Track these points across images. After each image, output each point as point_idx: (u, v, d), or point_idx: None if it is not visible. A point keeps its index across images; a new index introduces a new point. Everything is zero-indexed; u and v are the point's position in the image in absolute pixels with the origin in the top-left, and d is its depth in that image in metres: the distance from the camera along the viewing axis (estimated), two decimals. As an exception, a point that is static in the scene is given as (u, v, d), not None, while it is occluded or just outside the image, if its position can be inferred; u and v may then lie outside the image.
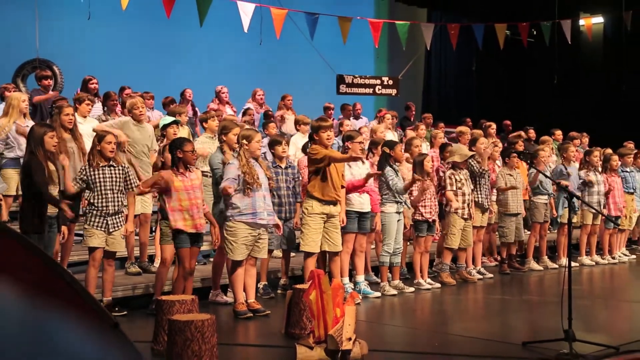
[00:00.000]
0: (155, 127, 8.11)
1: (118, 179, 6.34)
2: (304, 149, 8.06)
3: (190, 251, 6.28)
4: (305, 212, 7.04)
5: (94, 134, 6.72)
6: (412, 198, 7.97)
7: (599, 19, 16.38)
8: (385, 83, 14.36)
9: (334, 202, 7.05)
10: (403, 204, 7.79)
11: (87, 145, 6.79)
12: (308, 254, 7.05)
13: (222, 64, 14.15)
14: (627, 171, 10.59)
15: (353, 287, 7.47)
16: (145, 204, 7.60)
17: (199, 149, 7.35)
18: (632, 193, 10.59)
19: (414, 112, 13.36)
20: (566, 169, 9.72)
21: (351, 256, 7.56)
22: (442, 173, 8.59)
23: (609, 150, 10.60)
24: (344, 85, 13.87)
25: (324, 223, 7.05)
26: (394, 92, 14.43)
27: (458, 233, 8.35)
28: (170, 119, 8.00)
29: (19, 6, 11.76)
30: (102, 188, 6.25)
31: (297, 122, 10.18)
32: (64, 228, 6.27)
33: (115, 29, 12.93)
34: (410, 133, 10.26)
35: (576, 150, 11.34)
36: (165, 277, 6.65)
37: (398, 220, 7.72)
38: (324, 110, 12.08)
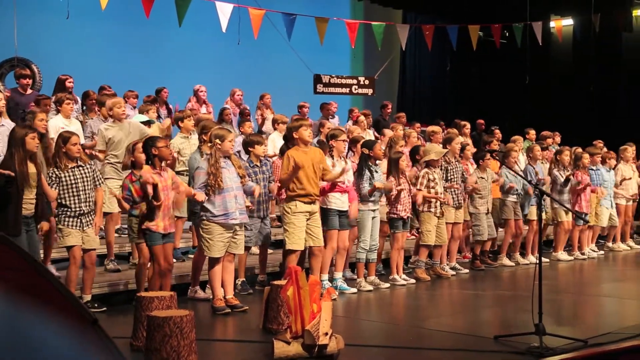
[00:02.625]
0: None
1: (88, 178, 6.30)
2: (282, 151, 8.06)
3: (163, 248, 6.24)
4: (289, 211, 7.04)
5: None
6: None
7: (568, 21, 16.53)
8: (362, 83, 14.39)
9: (314, 202, 7.09)
10: (378, 202, 7.83)
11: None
12: (291, 251, 7.05)
13: (201, 64, 14.08)
14: (593, 169, 10.70)
15: (330, 283, 7.49)
16: None
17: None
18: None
19: (389, 111, 13.39)
20: (534, 168, 9.83)
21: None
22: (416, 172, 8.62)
23: (579, 149, 10.71)
24: (321, 85, 13.86)
25: (306, 220, 7.07)
26: (370, 91, 14.46)
27: (433, 230, 8.40)
28: (144, 117, 7.95)
29: (-3, 5, 11.62)
30: (75, 189, 6.20)
31: (274, 121, 10.18)
32: (44, 224, 6.22)
33: (95, 28, 12.81)
34: (388, 132, 10.28)
35: (548, 149, 11.45)
36: (146, 274, 6.65)
37: (373, 218, 7.76)
38: (298, 108, 12.08)
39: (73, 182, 6.20)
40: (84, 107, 9.43)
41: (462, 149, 9.32)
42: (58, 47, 12.40)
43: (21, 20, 10.65)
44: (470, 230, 9.56)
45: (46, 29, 12.32)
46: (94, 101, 9.16)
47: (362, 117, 11.05)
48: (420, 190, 8.30)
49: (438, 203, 8.40)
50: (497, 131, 12.52)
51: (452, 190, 8.77)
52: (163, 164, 6.29)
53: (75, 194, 6.20)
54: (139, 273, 6.65)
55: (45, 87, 10.55)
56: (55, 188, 6.15)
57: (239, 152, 9.08)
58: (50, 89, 9.84)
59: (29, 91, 9.23)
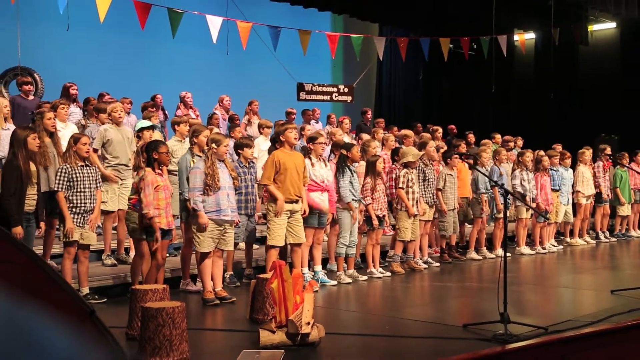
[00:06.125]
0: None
1: (92, 179, 6.27)
2: (270, 152, 8.04)
3: (161, 244, 6.24)
4: (271, 209, 7.03)
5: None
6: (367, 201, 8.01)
7: (531, 35, 16.65)
8: (341, 91, 14.37)
9: (296, 200, 7.07)
10: (358, 201, 7.83)
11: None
12: (272, 247, 7.04)
13: (192, 72, 14.01)
14: (554, 170, 10.77)
15: (312, 276, 7.48)
16: (123, 201, 7.50)
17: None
18: (557, 190, 10.77)
19: (370, 117, 13.42)
20: (499, 169, 9.89)
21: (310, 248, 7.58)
22: (395, 173, 8.61)
23: (541, 152, 10.78)
24: (304, 93, 13.84)
25: (288, 219, 7.05)
26: (349, 99, 14.45)
27: (409, 227, 8.42)
28: (147, 123, 7.93)
29: (1, 16, 11.46)
30: (82, 187, 6.17)
31: (260, 126, 10.15)
32: (42, 224, 6.17)
33: (93, 39, 12.69)
34: (365, 136, 10.29)
35: (512, 151, 11.50)
36: (141, 269, 6.60)
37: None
38: (287, 114, 12.06)
39: (80, 180, 6.16)
40: (85, 112, 9.35)
41: (436, 151, 9.35)
42: (59, 56, 12.28)
43: (24, 31, 10.52)
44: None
45: (47, 40, 12.20)
46: (92, 107, 9.11)
47: (346, 121, 11.10)
48: (402, 188, 8.31)
49: (415, 201, 8.41)
50: (471, 135, 12.58)
51: (429, 190, 8.80)
52: (162, 167, 6.30)
53: (80, 191, 6.17)
54: (134, 267, 6.60)
55: (47, 94, 10.45)
56: (64, 182, 6.09)
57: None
58: (51, 96, 9.74)
59: (31, 97, 9.14)
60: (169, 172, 7.77)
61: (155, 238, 6.13)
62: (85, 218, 6.23)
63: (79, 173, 6.17)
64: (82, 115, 9.39)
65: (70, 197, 6.15)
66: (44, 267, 1.78)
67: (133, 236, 6.54)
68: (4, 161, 6.39)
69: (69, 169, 6.13)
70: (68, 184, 6.13)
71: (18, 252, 1.73)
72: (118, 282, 6.94)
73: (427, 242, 9.22)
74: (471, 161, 8.95)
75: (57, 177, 6.14)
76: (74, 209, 6.16)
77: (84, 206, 6.19)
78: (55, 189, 6.15)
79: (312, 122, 12.32)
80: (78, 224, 6.18)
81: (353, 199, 7.68)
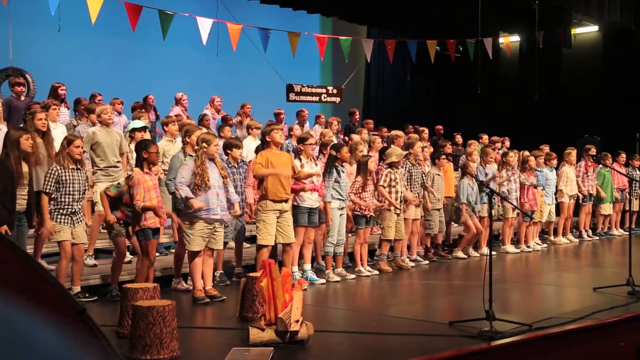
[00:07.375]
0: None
1: (82, 180, 6.24)
2: (257, 151, 8.04)
3: (151, 243, 6.22)
4: (260, 209, 7.02)
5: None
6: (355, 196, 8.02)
7: (515, 38, 16.72)
8: (330, 92, 14.37)
9: (286, 200, 7.06)
10: (345, 200, 7.84)
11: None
12: (263, 246, 7.03)
13: (183, 73, 13.96)
14: (538, 170, 10.82)
15: (301, 274, 7.48)
16: None
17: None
18: (542, 189, 10.83)
19: (357, 118, 13.44)
20: (484, 169, 9.93)
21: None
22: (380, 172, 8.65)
23: (527, 153, 10.82)
24: (293, 94, 13.83)
25: (277, 218, 7.04)
26: (338, 100, 14.46)
27: (393, 226, 8.44)
28: (140, 123, 7.90)
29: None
30: (71, 189, 6.13)
31: (249, 127, 10.16)
32: (45, 228, 6.15)
33: (84, 40, 12.62)
34: (354, 137, 10.31)
35: (497, 153, 11.56)
36: (120, 269, 6.60)
37: (340, 215, 7.77)
38: (275, 115, 12.06)
39: (70, 181, 6.12)
40: (76, 113, 9.30)
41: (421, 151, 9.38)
42: (50, 57, 12.21)
43: (16, 32, 10.45)
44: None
45: (39, 41, 12.12)
46: (83, 107, 9.07)
47: (335, 122, 11.14)
48: (383, 187, 8.32)
49: (398, 201, 8.43)
50: (459, 136, 12.61)
51: (416, 189, 8.83)
52: (151, 166, 6.29)
53: (70, 192, 6.13)
54: (115, 266, 6.58)
55: (39, 95, 10.37)
56: (52, 184, 6.06)
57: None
58: (43, 97, 9.67)
59: (23, 98, 9.09)
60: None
61: (160, 214, 6.13)
62: (73, 218, 6.18)
63: (69, 175, 6.13)
64: (70, 116, 9.34)
65: (59, 199, 6.11)
66: (36, 267, 1.78)
67: (114, 237, 6.54)
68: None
69: (59, 170, 6.09)
70: (56, 185, 6.09)
71: (11, 252, 1.72)
72: (105, 281, 6.90)
73: (417, 240, 9.24)
74: (457, 161, 8.98)
75: (46, 178, 6.11)
76: (61, 210, 6.12)
77: (72, 207, 6.16)
78: (42, 189, 6.11)
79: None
80: (67, 224, 6.14)
81: (339, 199, 7.69)
